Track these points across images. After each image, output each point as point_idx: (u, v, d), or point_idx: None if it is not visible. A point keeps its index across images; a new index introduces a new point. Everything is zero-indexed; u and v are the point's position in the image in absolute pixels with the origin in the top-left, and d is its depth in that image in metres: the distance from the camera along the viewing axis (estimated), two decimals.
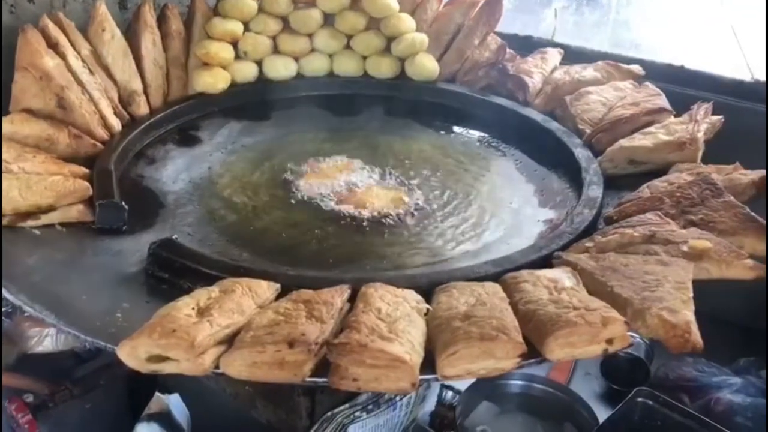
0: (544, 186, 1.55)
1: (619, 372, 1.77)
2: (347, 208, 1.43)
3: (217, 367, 0.93)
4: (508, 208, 1.47)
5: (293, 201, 1.47)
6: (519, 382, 1.65)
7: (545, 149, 1.64)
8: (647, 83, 1.76)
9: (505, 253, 1.25)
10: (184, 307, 0.99)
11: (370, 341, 0.92)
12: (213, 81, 1.79)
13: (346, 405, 1.29)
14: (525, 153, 1.68)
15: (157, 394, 1.51)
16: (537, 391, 1.66)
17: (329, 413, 1.27)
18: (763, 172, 1.32)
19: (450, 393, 1.62)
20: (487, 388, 1.61)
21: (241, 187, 1.51)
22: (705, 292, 1.05)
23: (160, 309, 0.99)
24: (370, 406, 1.32)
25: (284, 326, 0.95)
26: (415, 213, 1.43)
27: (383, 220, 1.39)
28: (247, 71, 1.87)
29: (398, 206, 1.43)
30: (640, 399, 1.50)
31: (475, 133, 1.79)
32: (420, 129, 1.80)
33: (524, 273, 1.11)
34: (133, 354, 0.92)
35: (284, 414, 1.28)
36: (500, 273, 1.13)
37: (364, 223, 1.38)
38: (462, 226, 1.40)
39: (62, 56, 1.51)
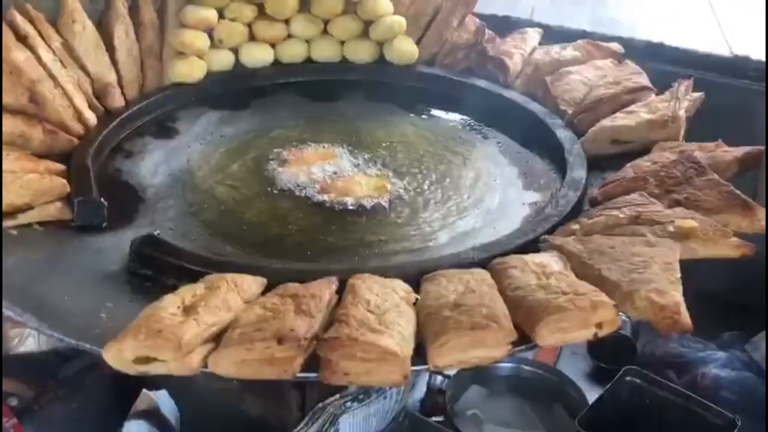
0: (528, 168, 1.54)
1: (606, 351, 1.79)
2: (331, 197, 1.41)
3: (205, 366, 0.93)
4: (492, 191, 1.46)
5: (275, 191, 1.45)
6: (508, 365, 1.66)
7: (527, 131, 1.63)
8: (627, 61, 1.76)
9: (491, 238, 1.25)
10: (169, 305, 0.98)
11: (360, 335, 0.91)
12: (188, 71, 1.76)
13: (337, 396, 1.29)
14: (507, 135, 1.68)
15: (145, 390, 1.50)
16: (526, 373, 1.67)
17: (320, 405, 1.27)
18: (746, 148, 1.31)
19: (439, 378, 1.62)
20: (475, 371, 1.61)
21: (222, 179, 1.50)
22: (688, 268, 1.06)
23: (145, 308, 0.98)
24: (361, 396, 1.32)
25: (272, 322, 0.94)
26: (400, 200, 1.42)
27: (367, 209, 1.38)
28: (223, 60, 1.85)
29: (382, 194, 1.43)
30: (628, 378, 1.52)
31: (457, 117, 1.78)
32: (401, 114, 1.79)
33: (512, 258, 1.11)
34: (120, 357, 0.91)
35: (275, 407, 1.29)
36: (488, 259, 1.13)
37: (348, 212, 1.38)
38: (447, 211, 1.40)
39: (32, 49, 1.48)
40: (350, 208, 1.39)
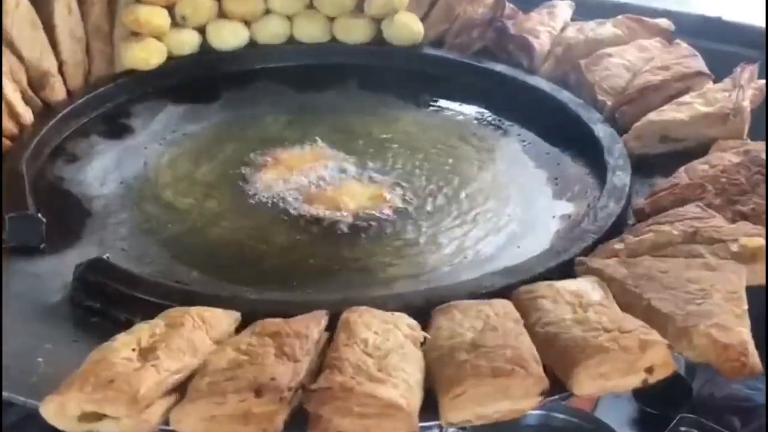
0: (559, 172, 1.55)
1: (655, 393, 1.78)
2: (317, 210, 1.42)
3: (166, 423, 0.91)
4: (515, 201, 1.47)
5: (251, 203, 1.47)
6: (536, 413, 1.64)
7: (558, 126, 1.64)
8: (679, 41, 1.76)
9: (515, 259, 1.25)
10: (123, 348, 0.96)
11: (357, 384, 0.90)
12: (145, 55, 1.77)
13: None
14: (533, 132, 1.69)
15: None
16: (558, 422, 1.67)
17: None
18: None
19: (452, 429, 1.60)
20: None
21: (186, 188, 1.51)
22: (753, 294, 1.05)
23: (93, 351, 0.96)
24: None
25: (248, 368, 0.93)
26: (402, 213, 1.43)
27: (362, 224, 1.39)
28: (187, 41, 1.86)
29: (380, 205, 1.44)
30: (683, 429, 1.50)
31: (471, 109, 1.80)
32: (403, 106, 1.81)
33: (541, 286, 1.10)
34: (62, 413, 0.89)
35: None
36: (511, 286, 1.13)
37: (340, 229, 1.39)
38: (460, 226, 1.41)
39: None
40: (342, 223, 1.39)
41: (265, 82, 1.88)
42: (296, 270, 1.30)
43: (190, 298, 1.10)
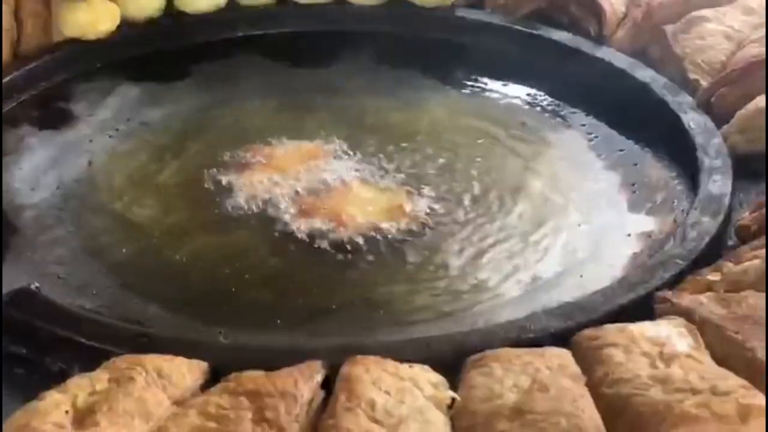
0: (637, 176, 1.55)
1: None
2: (315, 225, 1.43)
3: None
4: (577, 214, 1.47)
5: (228, 216, 1.47)
6: None
7: (635, 115, 1.64)
8: None
9: (575, 293, 1.25)
10: (53, 409, 0.94)
11: None
12: (92, 19, 1.79)
13: None
14: (602, 121, 1.70)
15: None
16: None
17: None
18: None
19: None
20: None
21: (143, 195, 1.52)
22: None
23: (16, 413, 0.95)
24: None
25: None
26: (426, 230, 1.43)
27: (373, 244, 1.39)
28: (146, 2, 1.87)
29: (396, 219, 1.44)
30: None
31: (521, 91, 1.81)
32: (430, 87, 1.82)
33: (610, 330, 1.08)
34: None
35: None
36: (570, 330, 1.12)
37: (343, 250, 1.39)
38: (501, 248, 1.41)
39: None
40: (347, 243, 1.39)
41: (250, 55, 1.90)
42: (284, 305, 1.30)
43: (145, 343, 1.10)
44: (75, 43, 1.78)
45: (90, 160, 1.61)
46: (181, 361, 1.06)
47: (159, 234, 1.45)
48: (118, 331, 1.15)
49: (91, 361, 1.06)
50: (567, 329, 1.13)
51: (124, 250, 1.42)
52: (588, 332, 1.10)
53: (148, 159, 1.63)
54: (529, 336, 1.13)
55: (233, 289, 1.34)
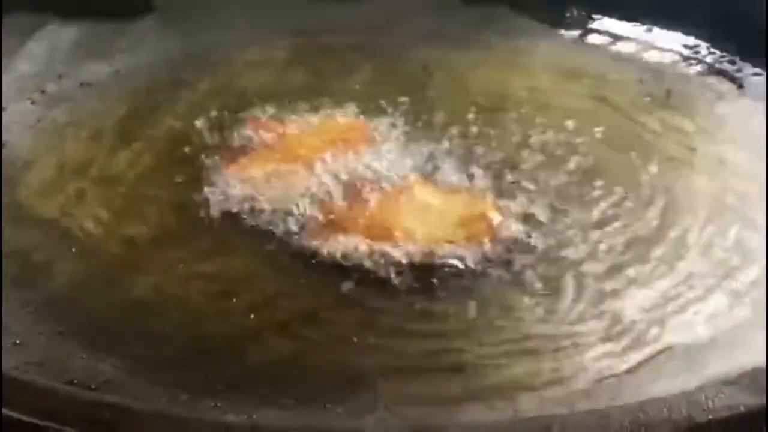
0: None
1: None
2: (350, 243, 1.20)
3: None
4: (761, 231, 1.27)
5: (211, 227, 1.26)
6: None
7: None
8: None
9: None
10: None
11: None
12: None
13: None
14: None
15: None
16: None
17: None
18: None
19: None
20: None
21: (85, 194, 1.33)
22: None
23: None
24: None
25: None
26: (529, 253, 1.21)
27: (440, 275, 1.17)
28: None
29: (479, 235, 1.20)
30: None
31: (669, 39, 1.64)
32: (530, 29, 1.68)
33: None
34: None
35: None
36: (764, 411, 0.91)
37: (392, 283, 1.15)
38: (646, 280, 1.18)
39: None
40: (398, 272, 1.16)
41: None
42: (302, 364, 1.06)
43: (93, 418, 0.91)
44: None
45: (6, 141, 1.42)
46: None
47: (110, 253, 1.22)
48: (57, 399, 0.93)
49: None
50: (756, 410, 0.92)
51: (59, 278, 1.18)
52: None
53: (93, 139, 1.43)
54: (703, 419, 0.91)
55: (224, 336, 1.10)
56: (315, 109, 1.46)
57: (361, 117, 1.44)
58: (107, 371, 1.04)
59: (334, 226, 1.22)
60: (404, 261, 1.18)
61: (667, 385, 0.99)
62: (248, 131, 1.40)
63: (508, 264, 1.19)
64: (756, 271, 1.20)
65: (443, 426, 0.95)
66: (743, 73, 1.56)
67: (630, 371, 1.06)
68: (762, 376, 0.96)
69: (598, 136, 1.43)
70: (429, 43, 1.63)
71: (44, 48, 1.60)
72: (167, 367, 1.06)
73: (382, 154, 1.35)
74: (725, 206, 1.30)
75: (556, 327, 1.12)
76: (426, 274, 1.17)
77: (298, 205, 1.26)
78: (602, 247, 1.24)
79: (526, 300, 1.15)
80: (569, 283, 1.17)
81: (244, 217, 1.26)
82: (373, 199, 1.26)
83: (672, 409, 0.91)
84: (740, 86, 1.54)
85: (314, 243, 1.20)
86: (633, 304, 1.15)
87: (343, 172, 1.32)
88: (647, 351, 1.08)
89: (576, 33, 1.70)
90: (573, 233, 1.26)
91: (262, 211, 1.26)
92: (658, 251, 1.23)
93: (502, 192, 1.29)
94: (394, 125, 1.42)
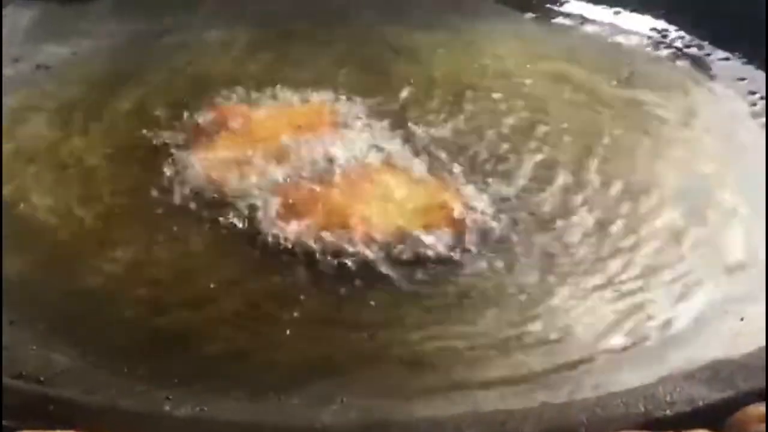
0: None
1: None
2: (309, 232, 1.22)
3: None
4: (734, 223, 1.27)
5: (174, 214, 1.27)
6: None
7: None
8: None
9: (731, 346, 1.06)
10: None
11: None
12: None
13: None
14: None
15: None
16: None
17: None
18: None
19: None
20: None
21: (42, 180, 1.35)
22: None
23: None
24: None
25: None
26: (492, 243, 1.22)
27: (404, 265, 1.18)
28: None
29: (441, 224, 1.23)
30: None
31: (638, 22, 1.66)
32: (497, 14, 1.68)
33: None
34: None
35: None
36: (727, 403, 0.93)
37: (351, 269, 1.17)
38: (612, 272, 1.19)
39: None
40: (362, 260, 1.19)
41: None
42: (257, 361, 1.08)
43: (51, 412, 0.93)
44: None
45: None
46: None
47: (65, 242, 1.24)
48: (28, 396, 0.97)
49: None
50: (721, 403, 0.95)
51: (12, 268, 1.19)
52: (752, 410, 0.93)
53: (50, 123, 1.44)
54: (663, 413, 0.95)
55: (183, 328, 1.10)
56: (277, 95, 1.47)
57: (325, 102, 1.45)
58: (59, 362, 1.06)
59: (293, 212, 1.23)
60: (363, 250, 1.19)
61: (628, 379, 1.02)
62: (210, 116, 1.42)
63: (469, 253, 1.20)
64: (709, 261, 1.20)
65: (401, 420, 0.96)
66: (711, 57, 1.58)
67: (589, 365, 1.07)
68: (723, 369, 0.98)
69: (563, 119, 1.44)
70: (394, 26, 1.64)
71: (6, 25, 1.62)
72: (120, 358, 1.06)
73: (345, 138, 1.37)
74: (689, 190, 1.30)
75: (516, 321, 1.13)
76: (384, 263, 1.18)
77: (257, 192, 1.28)
78: (565, 236, 1.24)
79: (486, 292, 1.16)
80: (530, 274, 1.18)
81: (203, 203, 1.28)
82: (333, 185, 1.28)
83: (629, 404, 0.96)
84: (708, 70, 1.56)
85: (273, 230, 1.22)
86: (593, 297, 1.16)
87: (306, 158, 1.33)
88: (607, 345, 1.10)
89: (542, 15, 1.71)
90: (535, 220, 1.26)
91: (221, 196, 1.28)
92: (618, 241, 1.23)
93: (464, 177, 1.31)
94: (357, 110, 1.43)
